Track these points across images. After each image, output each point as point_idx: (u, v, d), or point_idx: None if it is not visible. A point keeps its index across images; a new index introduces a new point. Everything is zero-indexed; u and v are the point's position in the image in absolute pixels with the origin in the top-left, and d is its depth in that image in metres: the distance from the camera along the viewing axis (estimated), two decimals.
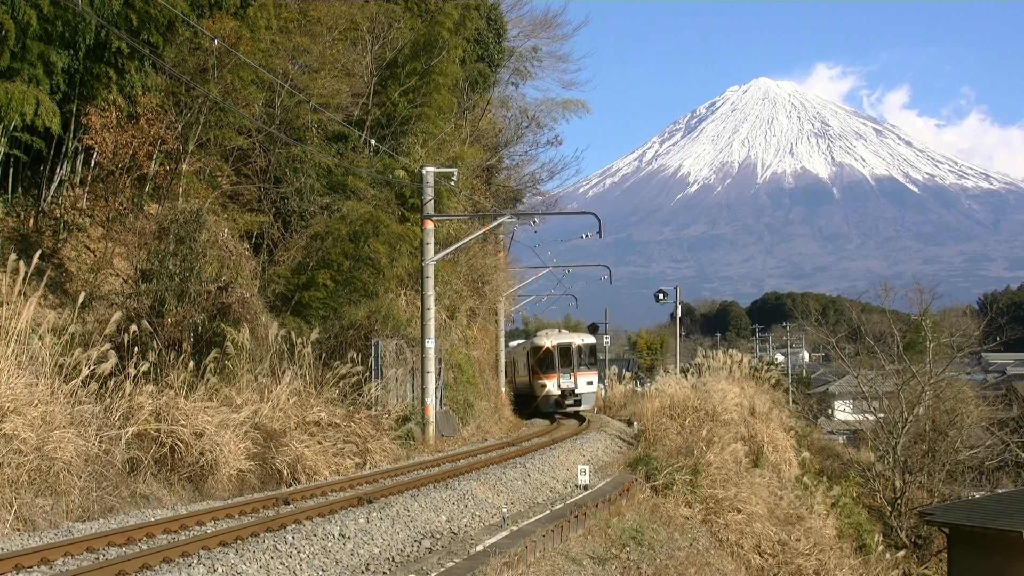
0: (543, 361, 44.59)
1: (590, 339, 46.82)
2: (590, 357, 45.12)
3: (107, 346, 17.02)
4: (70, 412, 15.50)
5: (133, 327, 18.22)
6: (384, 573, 12.45)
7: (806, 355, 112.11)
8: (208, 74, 23.10)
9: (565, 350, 44.33)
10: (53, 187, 22.56)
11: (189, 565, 11.12)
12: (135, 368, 17.39)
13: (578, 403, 43.87)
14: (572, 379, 43.77)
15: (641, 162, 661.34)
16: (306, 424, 20.92)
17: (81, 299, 18.13)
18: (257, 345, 21.85)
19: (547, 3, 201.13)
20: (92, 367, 16.31)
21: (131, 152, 21.64)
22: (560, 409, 43.67)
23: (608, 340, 65.98)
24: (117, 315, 18.04)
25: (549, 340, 45.12)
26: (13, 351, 15.07)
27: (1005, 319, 58.97)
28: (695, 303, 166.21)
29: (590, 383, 44.61)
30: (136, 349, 17.88)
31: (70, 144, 22.06)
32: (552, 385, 43.90)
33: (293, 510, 15.16)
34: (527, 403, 46.28)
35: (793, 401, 62.71)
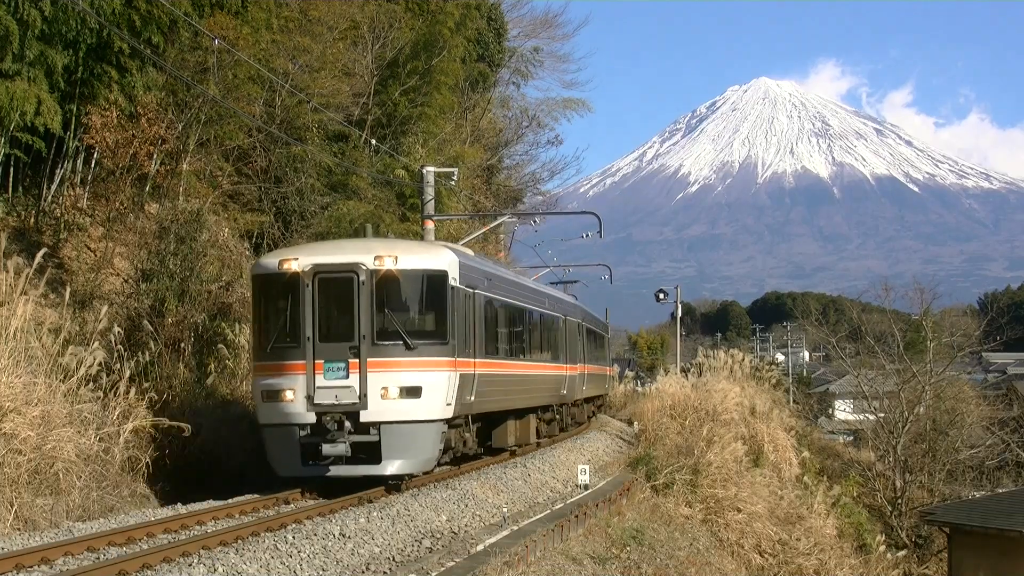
0: (267, 321, 17.53)
1: (439, 257, 17.66)
2: (430, 308, 17.34)
3: (107, 345, 17.03)
4: (69, 411, 15.51)
5: (133, 326, 18.23)
6: (385, 573, 12.45)
7: (806, 355, 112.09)
8: (209, 73, 23.11)
9: (340, 287, 16.72)
10: (53, 187, 22.58)
11: (189, 565, 11.13)
12: (135, 367, 17.41)
13: (372, 455, 16.43)
14: (356, 378, 16.41)
15: (641, 162, 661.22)
16: None
17: (76, 298, 18.14)
18: None
19: (547, 3, 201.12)
20: (91, 366, 16.32)
21: (131, 152, 21.64)
22: (319, 463, 16.33)
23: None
24: (117, 314, 18.05)
25: (298, 259, 16.82)
26: (11, 350, 15.08)
27: (1005, 319, 59.08)
28: (695, 303, 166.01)
29: (413, 392, 16.53)
30: (136, 348, 17.89)
31: (70, 144, 22.07)
32: (293, 395, 16.43)
33: (293, 509, 15.17)
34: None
35: (793, 401, 62.68)
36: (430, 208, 28.46)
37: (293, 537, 12.70)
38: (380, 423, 16.24)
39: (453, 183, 30.59)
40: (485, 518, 16.60)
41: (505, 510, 17.15)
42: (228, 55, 22.75)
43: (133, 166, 22.31)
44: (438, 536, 14.81)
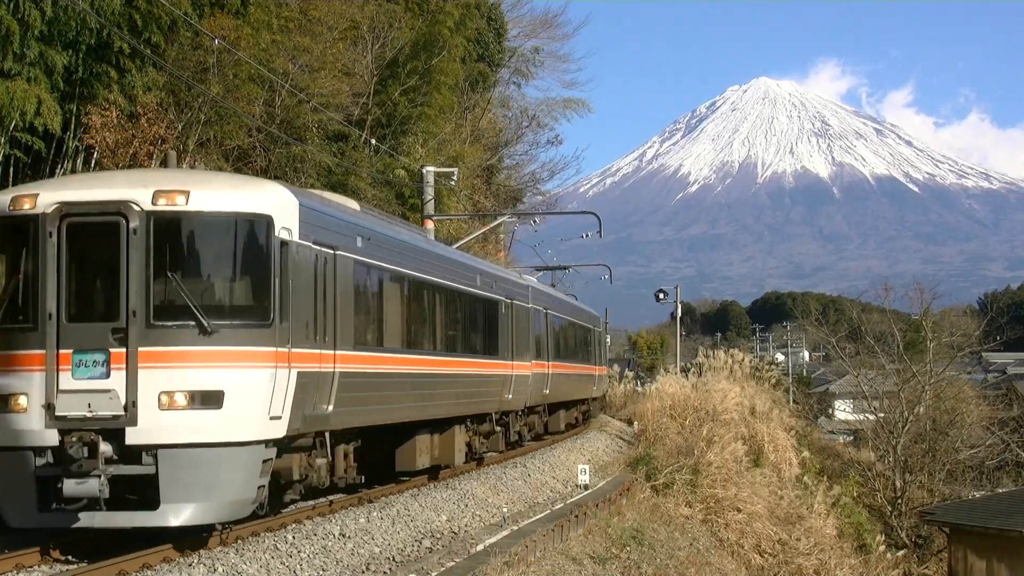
0: None
1: (260, 196, 12.05)
2: (243, 273, 11.91)
3: None
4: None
5: None
6: (384, 573, 12.46)
7: (806, 355, 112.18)
8: (209, 72, 23.13)
9: (100, 237, 11.36)
10: None
11: (189, 565, 11.11)
12: None
13: (147, 496, 11.05)
14: (120, 377, 11.07)
15: (641, 162, 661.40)
16: None
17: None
18: None
19: (547, 3, 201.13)
20: None
21: (131, 152, 21.64)
22: (67, 507, 10.80)
23: (609, 339, 55.44)
24: None
25: (39, 195, 11.42)
26: None
27: (1005, 319, 59.24)
28: (695, 303, 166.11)
29: (211, 399, 11.26)
30: None
31: (70, 144, 22.07)
32: (26, 401, 11.07)
33: (293, 509, 15.15)
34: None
35: (793, 401, 62.73)
36: (430, 208, 28.51)
37: (293, 537, 12.70)
38: (157, 447, 10.96)
39: (453, 183, 30.63)
40: (485, 518, 16.61)
41: (505, 510, 17.16)
42: (228, 55, 22.77)
43: (133, 166, 22.31)
44: (438, 536, 14.82)
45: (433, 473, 18.77)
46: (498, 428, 21.93)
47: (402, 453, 17.22)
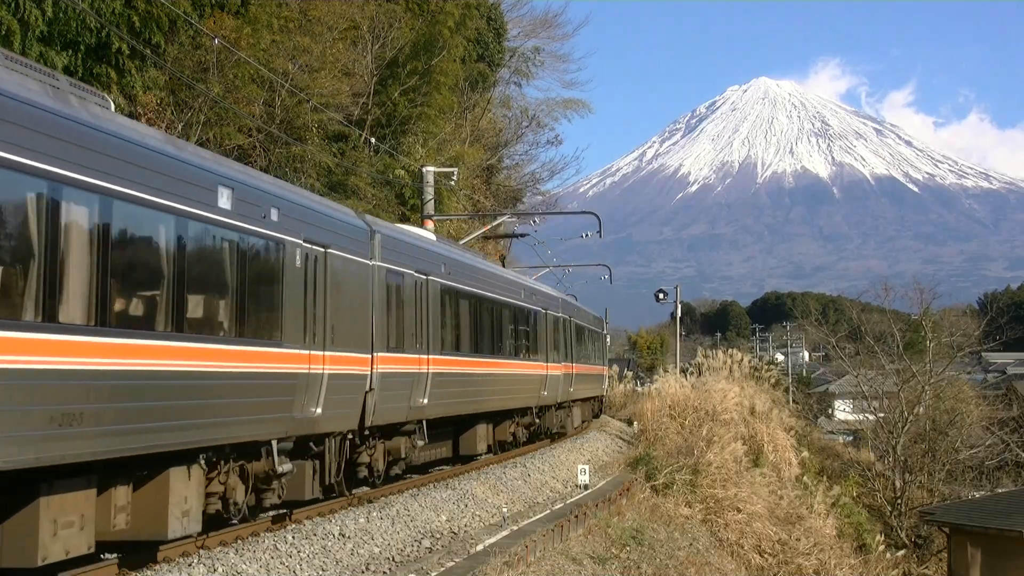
0: None
1: None
2: None
3: None
4: None
5: None
6: (384, 573, 12.46)
7: (806, 355, 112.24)
8: (209, 72, 23.12)
9: None
10: None
11: (189, 565, 11.11)
12: None
13: None
14: None
15: (641, 162, 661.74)
16: None
17: None
18: None
19: (547, 3, 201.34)
20: None
21: None
22: None
23: (609, 339, 51.96)
24: None
25: None
26: None
27: (1005, 319, 59.27)
28: (695, 303, 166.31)
29: None
30: None
31: None
32: None
33: (293, 509, 15.15)
34: None
35: (793, 401, 62.75)
36: (430, 208, 28.51)
37: (293, 537, 12.70)
38: None
39: (453, 183, 30.63)
40: (485, 518, 16.61)
41: (505, 510, 17.16)
42: (228, 55, 22.77)
43: None
44: (438, 536, 14.81)
45: (133, 562, 10.88)
46: (289, 466, 12.98)
47: (7, 535, 8.82)
